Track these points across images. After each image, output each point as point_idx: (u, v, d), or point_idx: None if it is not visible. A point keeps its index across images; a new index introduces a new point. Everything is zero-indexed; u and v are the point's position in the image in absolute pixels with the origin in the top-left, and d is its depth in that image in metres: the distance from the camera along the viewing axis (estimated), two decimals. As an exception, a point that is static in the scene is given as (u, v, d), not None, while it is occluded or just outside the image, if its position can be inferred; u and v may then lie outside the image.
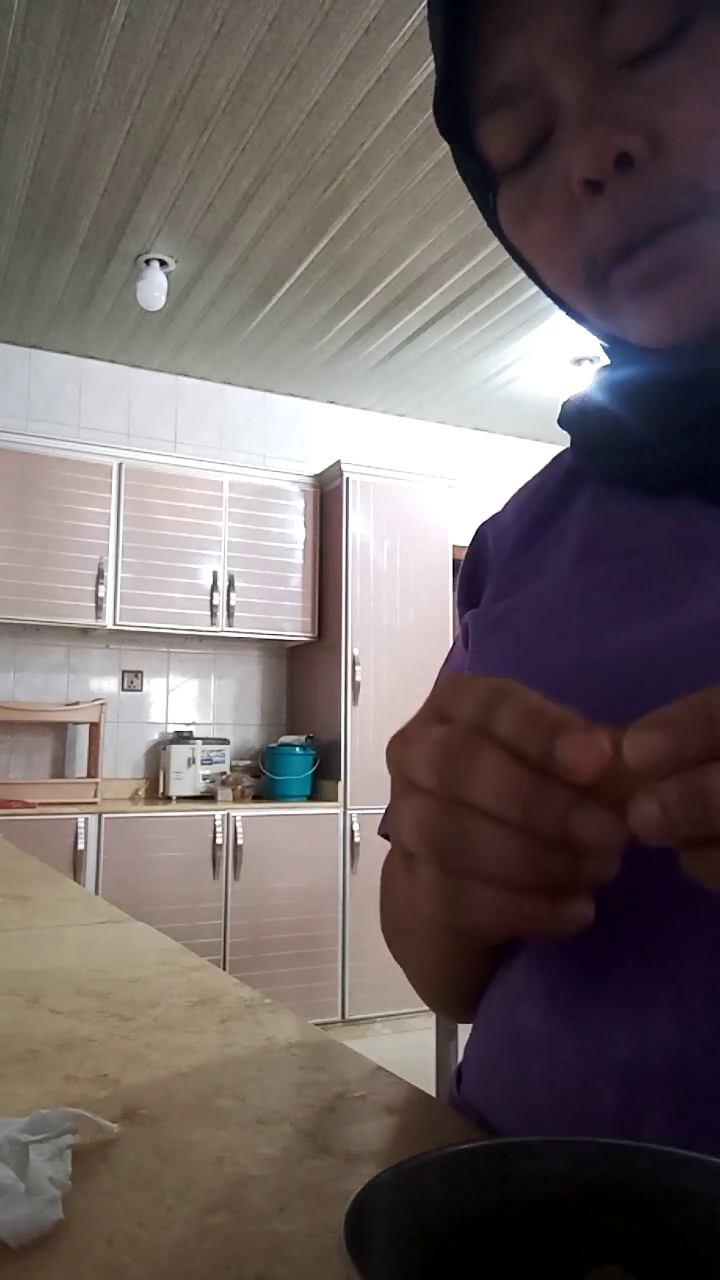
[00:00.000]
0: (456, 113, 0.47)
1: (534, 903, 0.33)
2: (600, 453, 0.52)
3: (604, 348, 0.53)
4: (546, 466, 0.60)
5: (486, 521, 0.62)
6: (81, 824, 3.39)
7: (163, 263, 3.37)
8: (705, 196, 0.41)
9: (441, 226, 3.12)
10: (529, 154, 0.45)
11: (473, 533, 0.63)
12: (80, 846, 3.37)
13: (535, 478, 0.61)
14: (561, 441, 0.57)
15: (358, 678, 3.89)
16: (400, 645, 3.99)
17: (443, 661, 0.64)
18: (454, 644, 0.62)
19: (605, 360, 0.54)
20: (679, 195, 0.41)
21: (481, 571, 0.60)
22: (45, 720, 3.83)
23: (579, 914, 0.34)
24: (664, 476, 0.47)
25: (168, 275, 3.42)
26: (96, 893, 3.21)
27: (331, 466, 4.10)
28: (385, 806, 0.62)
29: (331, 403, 4.64)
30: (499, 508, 0.63)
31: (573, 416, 0.54)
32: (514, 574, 0.55)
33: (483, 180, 0.49)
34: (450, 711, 0.34)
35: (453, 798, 0.33)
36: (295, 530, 4.10)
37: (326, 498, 4.14)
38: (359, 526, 4.01)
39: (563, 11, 0.42)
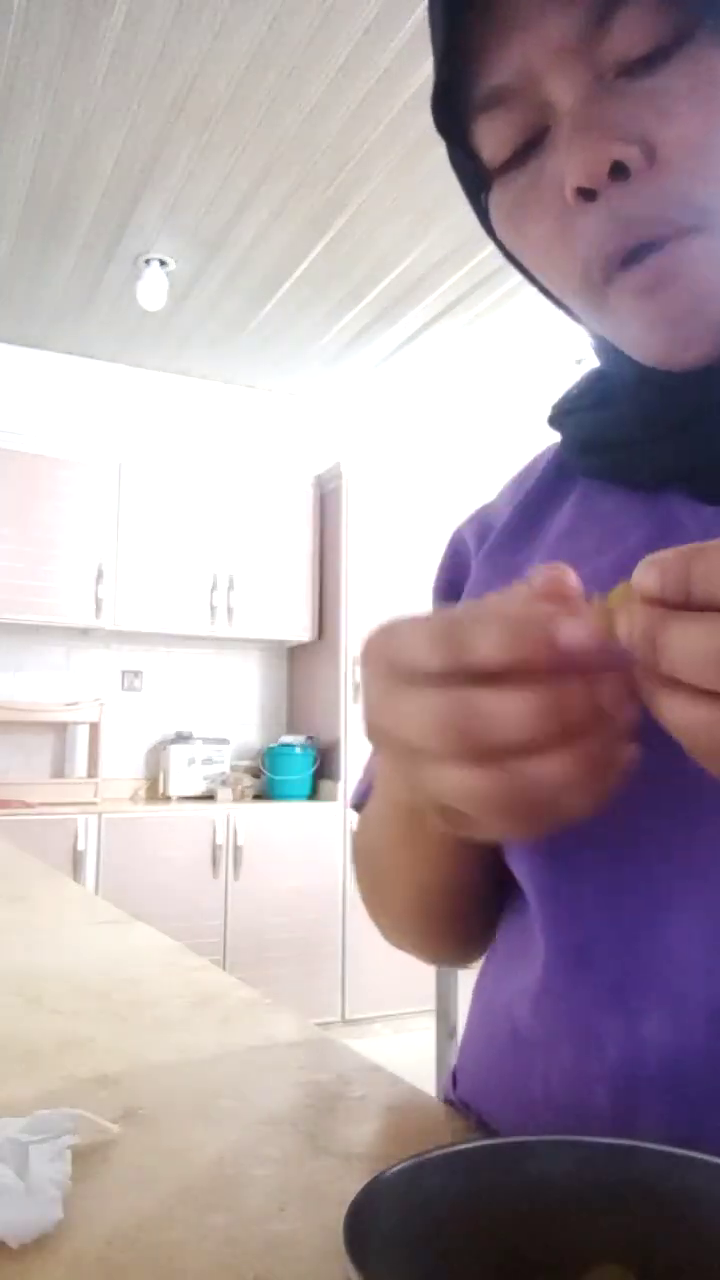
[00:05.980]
0: (453, 110, 0.48)
1: (562, 761, 0.31)
2: (588, 450, 0.52)
3: (593, 348, 0.53)
4: (530, 462, 0.61)
5: (463, 525, 0.62)
6: (81, 824, 3.39)
7: (163, 263, 3.37)
8: (698, 212, 0.41)
9: (441, 226, 3.12)
10: (522, 154, 0.45)
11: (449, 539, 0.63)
12: (80, 846, 3.37)
13: (519, 473, 0.61)
14: (562, 440, 0.57)
15: (358, 678, 3.88)
16: (400, 645, 3.98)
17: None
18: None
19: (597, 362, 0.54)
20: (674, 209, 0.41)
21: (461, 578, 0.60)
22: (45, 720, 3.82)
23: (620, 758, 0.32)
24: (651, 473, 0.48)
25: (168, 275, 3.42)
26: (96, 893, 3.21)
27: (331, 466, 4.10)
28: (358, 783, 0.62)
29: (331, 402, 4.64)
30: (476, 508, 0.63)
31: (561, 415, 0.55)
32: (497, 566, 0.55)
33: (475, 178, 0.50)
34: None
35: (460, 669, 0.31)
36: (295, 530, 4.10)
37: (326, 498, 4.14)
38: (359, 526, 4.01)
39: (563, 16, 0.42)
